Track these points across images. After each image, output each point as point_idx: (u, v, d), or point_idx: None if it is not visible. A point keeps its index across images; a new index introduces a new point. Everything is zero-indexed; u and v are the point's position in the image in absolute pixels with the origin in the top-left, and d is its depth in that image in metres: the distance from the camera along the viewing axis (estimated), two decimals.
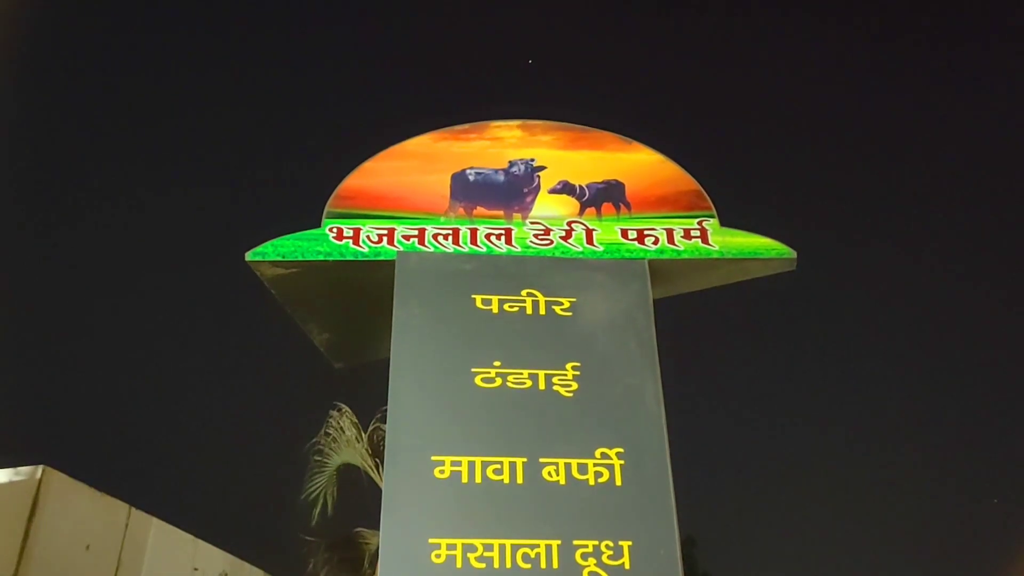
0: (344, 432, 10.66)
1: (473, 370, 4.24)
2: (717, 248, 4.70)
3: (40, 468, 6.87)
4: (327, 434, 10.73)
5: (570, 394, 4.22)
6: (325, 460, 10.75)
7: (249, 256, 4.64)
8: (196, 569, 8.73)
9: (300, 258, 4.62)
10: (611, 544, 3.82)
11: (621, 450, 4.06)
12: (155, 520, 8.16)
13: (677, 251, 4.69)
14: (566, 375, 4.26)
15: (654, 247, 4.69)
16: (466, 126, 5.13)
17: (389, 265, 4.56)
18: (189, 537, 8.81)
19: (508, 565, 3.75)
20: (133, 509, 7.86)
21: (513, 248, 4.69)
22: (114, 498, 7.67)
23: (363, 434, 10.65)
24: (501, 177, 4.94)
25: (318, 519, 10.70)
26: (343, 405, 10.80)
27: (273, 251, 4.63)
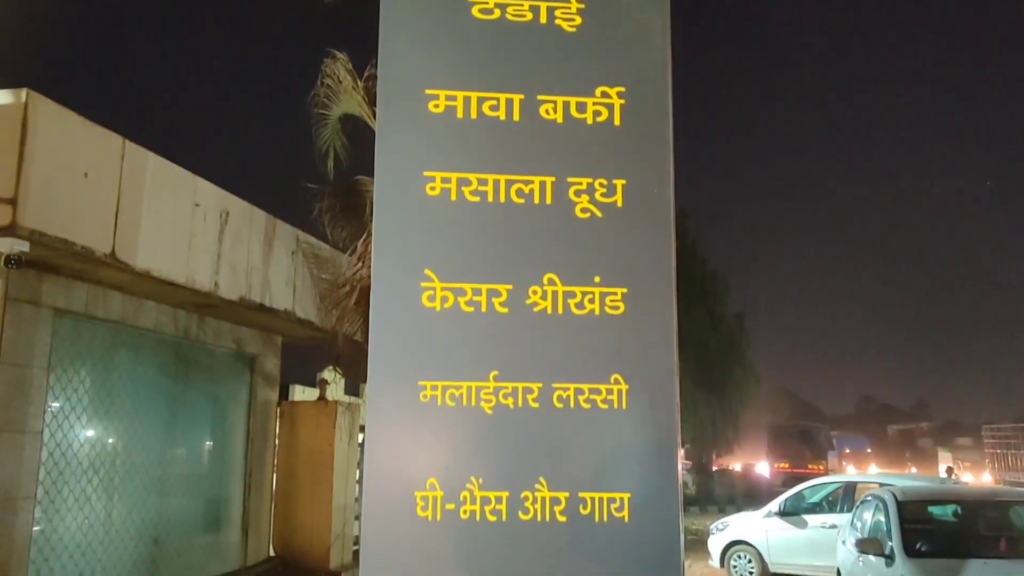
0: (340, 81, 10.52)
1: (469, 0, 3.93)
2: None
3: (24, 91, 6.62)
4: (324, 84, 10.60)
5: (573, 28, 3.95)
6: (326, 112, 10.76)
7: None
8: (198, 205, 8.88)
9: None
10: (605, 182, 3.80)
11: (622, 89, 3.88)
12: (152, 154, 8.10)
13: None
14: (569, 8, 3.95)
15: None
16: None
17: None
18: (188, 174, 8.80)
19: (502, 199, 3.76)
20: (128, 142, 7.75)
21: None
22: (106, 129, 7.53)
23: (359, 82, 10.50)
24: None
25: (325, 169, 10.98)
26: (337, 52, 10.51)
27: None
